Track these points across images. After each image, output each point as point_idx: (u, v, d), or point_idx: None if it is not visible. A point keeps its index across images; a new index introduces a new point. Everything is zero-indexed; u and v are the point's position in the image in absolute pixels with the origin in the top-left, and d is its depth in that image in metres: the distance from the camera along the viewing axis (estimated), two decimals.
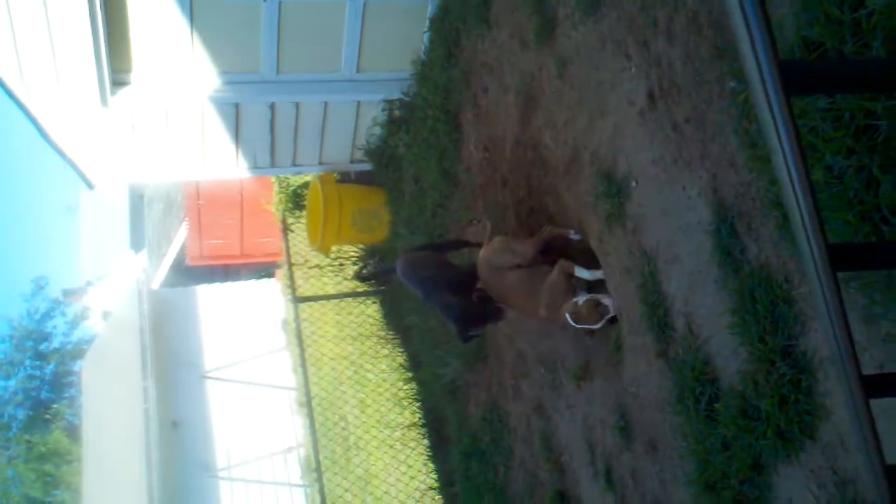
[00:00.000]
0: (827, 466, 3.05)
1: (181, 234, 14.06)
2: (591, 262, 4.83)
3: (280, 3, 6.79)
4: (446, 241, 6.66)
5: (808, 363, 3.09)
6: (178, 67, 6.95)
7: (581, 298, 4.69)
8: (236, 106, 7.35)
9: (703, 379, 3.69)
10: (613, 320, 4.61)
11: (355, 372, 10.21)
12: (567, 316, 4.75)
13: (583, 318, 4.68)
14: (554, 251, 5.19)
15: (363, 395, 10.06)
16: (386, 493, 9.41)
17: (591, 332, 4.85)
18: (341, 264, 10.11)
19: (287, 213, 10.42)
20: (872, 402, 1.62)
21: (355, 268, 9.90)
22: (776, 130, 1.35)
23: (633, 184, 4.17)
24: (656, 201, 3.98)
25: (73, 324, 32.67)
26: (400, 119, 7.66)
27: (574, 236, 5.04)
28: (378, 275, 8.41)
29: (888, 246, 2.31)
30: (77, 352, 29.98)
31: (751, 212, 3.29)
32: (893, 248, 2.13)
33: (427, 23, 7.14)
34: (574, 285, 4.82)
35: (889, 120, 2.57)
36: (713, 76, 3.45)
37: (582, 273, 4.81)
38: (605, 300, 4.57)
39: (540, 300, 4.96)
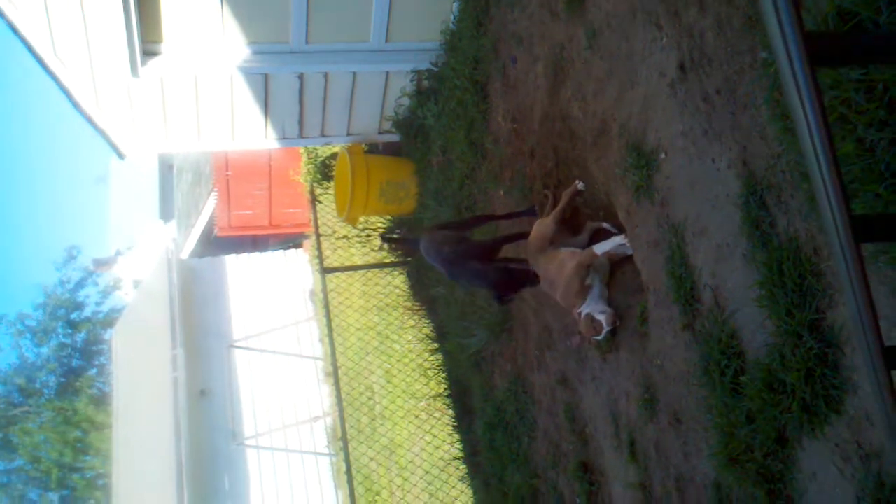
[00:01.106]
0: (852, 441, 3.04)
1: (210, 205, 14.16)
2: (602, 215, 5.12)
3: None
4: (469, 218, 6.63)
5: (835, 337, 3.07)
6: (208, 37, 6.97)
7: (583, 310, 4.95)
8: (265, 76, 7.36)
9: (729, 352, 3.68)
10: (613, 330, 4.94)
11: (381, 342, 10.28)
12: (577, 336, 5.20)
13: (584, 330, 5.00)
14: (576, 215, 5.37)
15: (389, 366, 10.13)
16: (411, 462, 9.51)
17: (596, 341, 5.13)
18: (369, 235, 10.15)
19: (315, 184, 10.46)
20: None
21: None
22: (801, 102, 1.34)
23: (662, 156, 4.14)
24: (685, 174, 3.95)
25: (105, 293, 33.11)
26: (428, 90, 7.65)
27: (580, 187, 5.23)
28: (402, 242, 8.37)
29: None
30: (108, 321, 30.36)
31: (780, 184, 3.27)
32: None
33: None
34: (587, 286, 4.98)
35: None
36: (745, 47, 3.41)
37: (602, 248, 4.89)
38: (599, 315, 4.87)
39: (557, 288, 5.13)
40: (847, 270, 1.45)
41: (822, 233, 3.08)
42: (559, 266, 5.10)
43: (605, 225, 5.12)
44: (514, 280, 5.58)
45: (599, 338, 4.96)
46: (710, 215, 3.78)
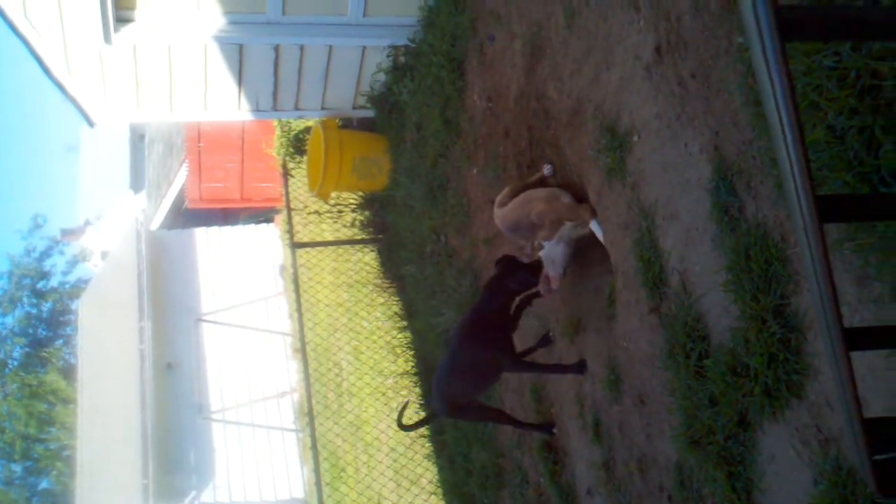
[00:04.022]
0: (812, 425, 3.08)
1: (181, 177, 14.01)
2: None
3: None
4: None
5: (798, 323, 3.10)
6: (183, 5, 6.87)
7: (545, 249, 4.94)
8: (240, 47, 7.27)
9: (694, 335, 3.71)
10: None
11: (350, 319, 10.27)
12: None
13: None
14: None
15: (357, 343, 10.13)
16: (376, 439, 9.53)
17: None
18: (340, 211, 10.10)
19: (288, 158, 10.39)
20: (859, 363, 1.62)
21: (353, 215, 9.90)
22: (769, 74, 1.33)
23: (636, 138, 4.15)
24: (657, 157, 3.96)
25: (72, 263, 32.70)
26: (404, 66, 7.60)
27: (547, 172, 5.23)
28: (421, 424, 7.06)
29: (875, 198, 2.30)
30: (75, 291, 29.99)
31: (751, 170, 3.28)
32: (880, 199, 2.13)
33: None
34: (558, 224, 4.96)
35: (895, 81, 2.55)
36: (721, 32, 3.41)
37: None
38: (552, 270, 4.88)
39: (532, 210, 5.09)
40: (809, 249, 1.45)
41: (789, 220, 3.10)
42: (531, 198, 5.11)
43: (546, 168, 5.21)
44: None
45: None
46: (680, 199, 3.79)
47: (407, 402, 6.90)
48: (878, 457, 1.70)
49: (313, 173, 8.86)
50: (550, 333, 5.56)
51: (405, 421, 6.32)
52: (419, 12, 7.21)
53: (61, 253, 32.79)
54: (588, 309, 5.00)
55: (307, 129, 9.99)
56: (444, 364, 5.38)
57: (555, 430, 5.50)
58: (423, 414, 8.65)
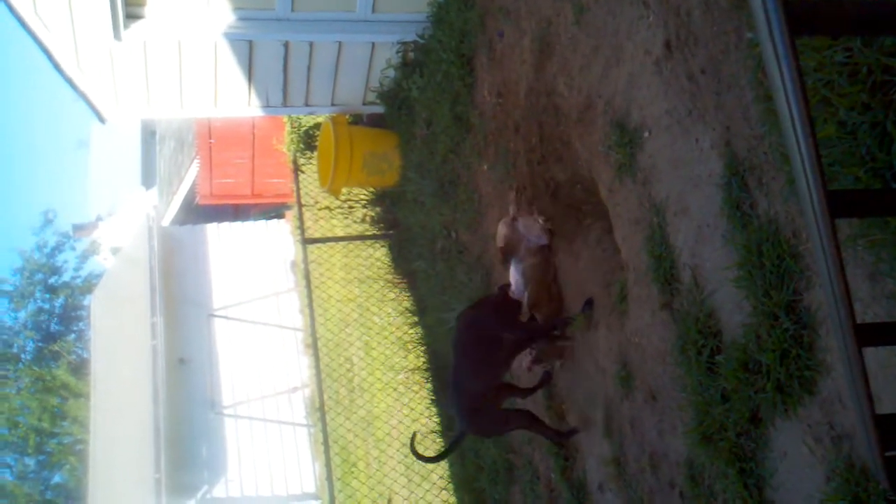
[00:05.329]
0: (824, 422, 3.07)
1: (192, 172, 14.04)
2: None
3: None
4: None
5: (811, 318, 3.09)
6: (193, 1, 6.89)
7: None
8: (250, 43, 7.28)
9: (706, 331, 3.70)
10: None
11: (361, 315, 10.27)
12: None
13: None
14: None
15: (369, 338, 10.14)
16: (388, 434, 9.54)
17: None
18: (351, 207, 10.11)
19: (298, 154, 10.40)
20: (871, 359, 1.62)
21: (364, 211, 9.90)
22: (779, 69, 1.33)
23: (646, 134, 4.13)
24: (668, 153, 3.95)
25: (84, 258, 32.79)
26: (414, 62, 7.60)
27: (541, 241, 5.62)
28: (448, 452, 6.80)
29: (887, 193, 2.29)
30: (87, 286, 30.08)
31: (762, 166, 3.27)
32: (892, 195, 2.12)
33: None
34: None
35: None
36: (731, 26, 3.40)
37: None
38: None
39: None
40: (821, 245, 1.45)
41: (801, 215, 3.08)
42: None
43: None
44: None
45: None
46: (691, 195, 3.78)
47: (414, 434, 6.85)
48: (890, 453, 1.70)
49: (324, 169, 8.87)
50: (549, 369, 5.76)
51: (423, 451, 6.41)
52: (428, 8, 7.20)
53: (73, 248, 32.91)
54: (599, 304, 5.00)
55: (317, 126, 10.00)
56: (452, 368, 5.62)
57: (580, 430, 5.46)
58: (434, 410, 8.67)
